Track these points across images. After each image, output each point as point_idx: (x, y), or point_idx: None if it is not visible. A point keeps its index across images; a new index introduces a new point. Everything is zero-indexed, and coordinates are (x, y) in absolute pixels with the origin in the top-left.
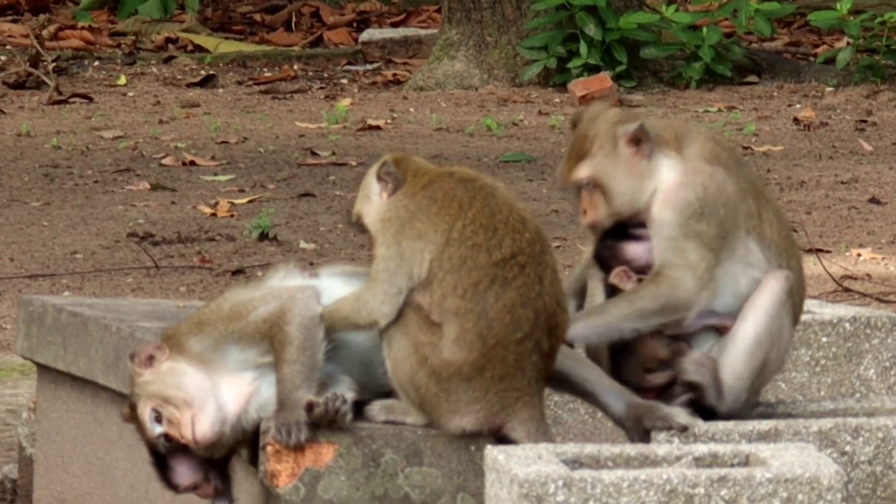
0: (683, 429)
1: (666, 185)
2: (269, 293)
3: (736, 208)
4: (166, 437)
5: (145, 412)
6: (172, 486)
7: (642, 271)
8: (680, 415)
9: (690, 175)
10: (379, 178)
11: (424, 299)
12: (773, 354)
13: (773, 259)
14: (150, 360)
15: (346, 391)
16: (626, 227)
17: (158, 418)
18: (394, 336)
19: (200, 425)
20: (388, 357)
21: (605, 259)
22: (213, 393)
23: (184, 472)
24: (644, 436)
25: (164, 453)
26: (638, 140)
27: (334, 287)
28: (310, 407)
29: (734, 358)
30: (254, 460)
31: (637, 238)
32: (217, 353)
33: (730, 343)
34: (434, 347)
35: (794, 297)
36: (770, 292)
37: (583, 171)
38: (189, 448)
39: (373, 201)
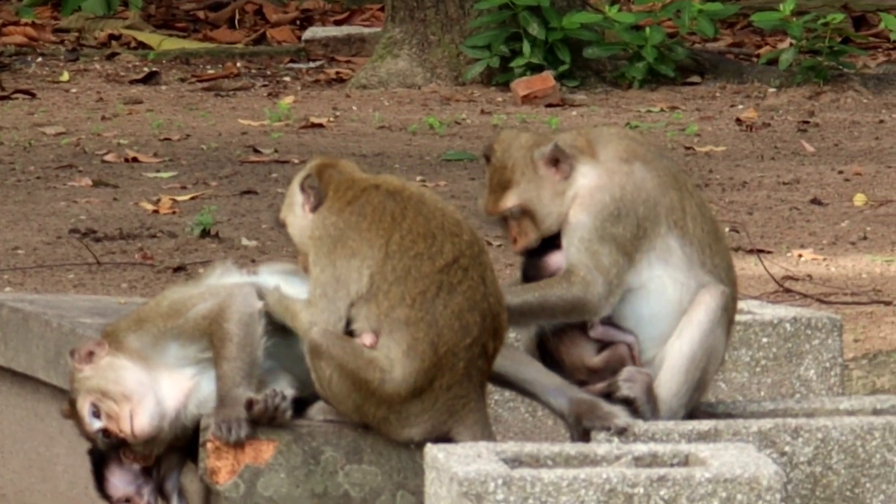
0: (622, 430)
1: (583, 190)
2: (208, 291)
3: (657, 203)
4: (105, 432)
5: (84, 407)
6: (105, 495)
7: None
8: (620, 415)
9: (606, 177)
10: (302, 189)
11: (371, 312)
12: (709, 370)
13: (696, 257)
14: (90, 356)
15: (286, 388)
16: (546, 240)
17: (97, 413)
18: (332, 379)
19: (139, 419)
20: (326, 390)
21: (533, 277)
22: (152, 387)
23: (117, 484)
24: (584, 435)
25: (104, 451)
26: (555, 159)
27: (273, 285)
28: (250, 404)
29: (670, 375)
30: (194, 457)
31: (558, 247)
32: (156, 349)
33: (666, 359)
34: (381, 382)
35: (729, 312)
36: (706, 308)
37: (510, 201)
38: (126, 453)
39: (296, 213)
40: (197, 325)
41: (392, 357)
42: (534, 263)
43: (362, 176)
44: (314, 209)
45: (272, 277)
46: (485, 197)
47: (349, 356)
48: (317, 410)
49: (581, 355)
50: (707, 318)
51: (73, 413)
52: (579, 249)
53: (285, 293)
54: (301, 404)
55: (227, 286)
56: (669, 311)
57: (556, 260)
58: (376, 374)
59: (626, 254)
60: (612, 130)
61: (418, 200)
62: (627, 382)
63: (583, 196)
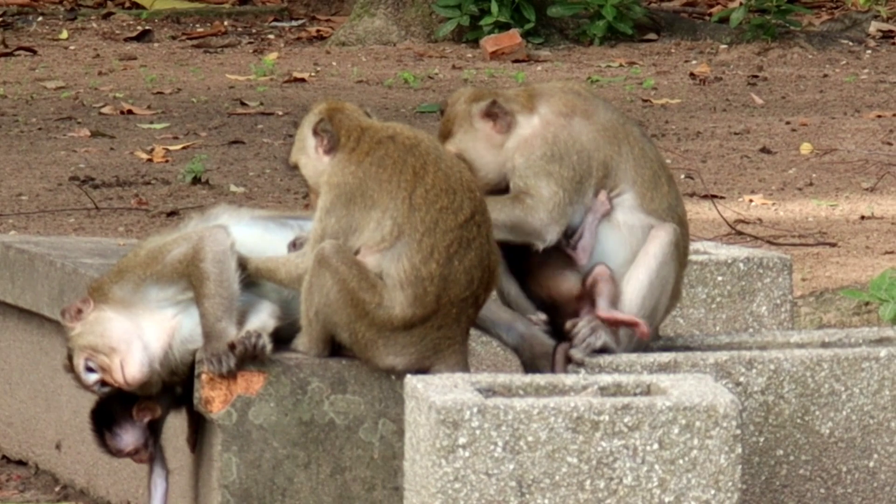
0: (580, 363)
1: (520, 140)
2: (181, 237)
3: (590, 156)
4: (102, 383)
5: (80, 364)
6: (111, 450)
7: None
8: (575, 352)
9: (541, 127)
10: (315, 133)
11: (401, 266)
12: (663, 300)
13: (635, 202)
14: (79, 313)
15: (267, 319)
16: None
17: (91, 368)
18: (330, 291)
19: (129, 368)
20: (321, 300)
21: None
22: (138, 334)
23: (126, 438)
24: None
25: (110, 409)
26: (492, 114)
27: (242, 231)
28: (231, 347)
29: (629, 304)
30: (190, 391)
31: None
32: (138, 294)
33: (624, 290)
34: (378, 306)
35: (680, 247)
36: (660, 243)
37: (447, 149)
38: (138, 411)
39: (310, 156)
40: (174, 269)
41: (395, 298)
42: None
43: (372, 123)
44: (328, 152)
45: (249, 228)
46: None
47: (354, 275)
48: (302, 343)
49: (569, 288)
50: (661, 251)
51: (72, 367)
52: (519, 185)
53: (262, 258)
54: (289, 335)
55: (198, 230)
56: (619, 248)
57: None
58: (375, 298)
59: (564, 189)
60: (557, 85)
61: (436, 156)
62: (591, 335)
63: (520, 145)
